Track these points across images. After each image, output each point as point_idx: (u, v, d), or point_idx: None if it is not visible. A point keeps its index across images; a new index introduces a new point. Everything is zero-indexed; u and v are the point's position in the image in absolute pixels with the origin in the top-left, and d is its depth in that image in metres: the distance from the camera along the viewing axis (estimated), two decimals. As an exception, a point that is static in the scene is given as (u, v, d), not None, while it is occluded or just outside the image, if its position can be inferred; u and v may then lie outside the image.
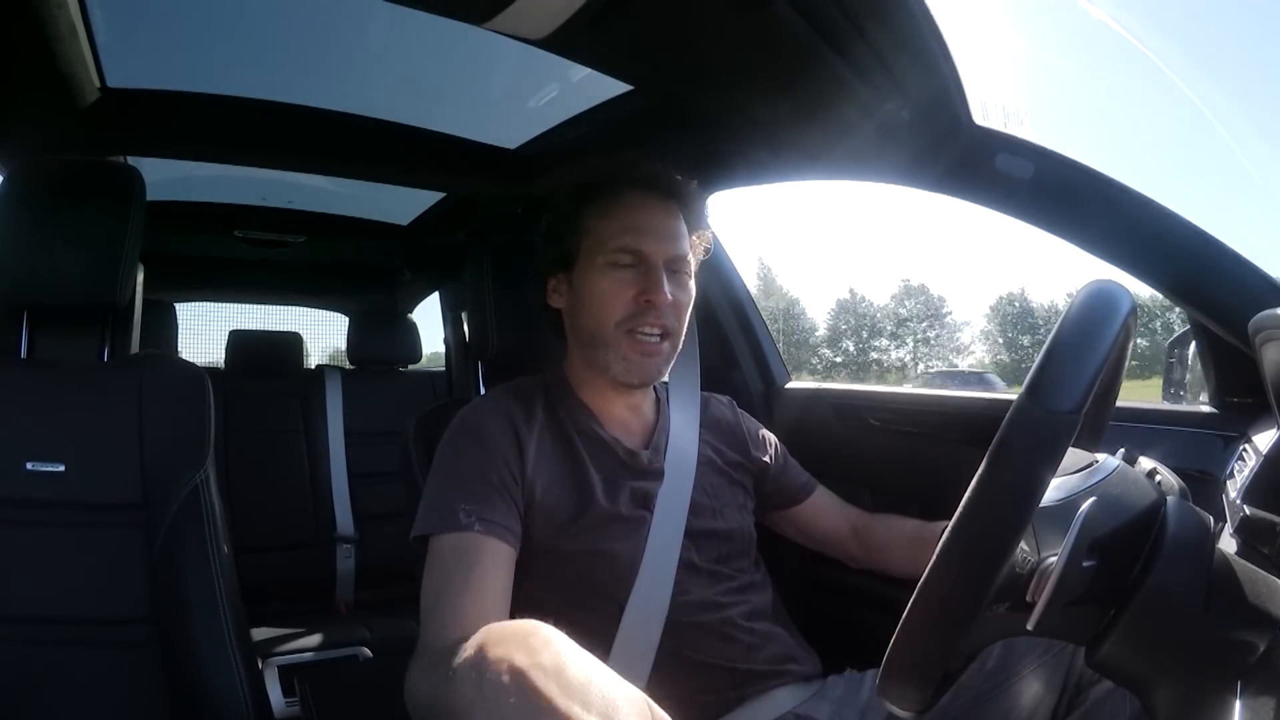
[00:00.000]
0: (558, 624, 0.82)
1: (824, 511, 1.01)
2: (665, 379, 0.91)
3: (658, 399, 0.97)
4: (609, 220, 0.85)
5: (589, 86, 1.10)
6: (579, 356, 0.90)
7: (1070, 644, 0.72)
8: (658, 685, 0.79)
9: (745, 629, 0.84)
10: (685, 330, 0.89)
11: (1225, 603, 0.45)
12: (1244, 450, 0.77)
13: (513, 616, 0.83)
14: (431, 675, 0.61)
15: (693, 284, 0.89)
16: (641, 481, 0.87)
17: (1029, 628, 0.45)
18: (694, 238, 0.90)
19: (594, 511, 0.83)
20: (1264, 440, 0.73)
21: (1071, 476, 0.49)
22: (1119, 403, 0.64)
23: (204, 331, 2.72)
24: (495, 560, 0.74)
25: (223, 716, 0.82)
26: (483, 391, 1.14)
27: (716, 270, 1.33)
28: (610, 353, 0.84)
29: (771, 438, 1.05)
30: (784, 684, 0.84)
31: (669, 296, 0.82)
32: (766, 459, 1.01)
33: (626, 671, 0.79)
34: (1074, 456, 0.51)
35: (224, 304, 2.64)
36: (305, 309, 2.66)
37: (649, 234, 0.84)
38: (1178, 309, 0.94)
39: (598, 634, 0.80)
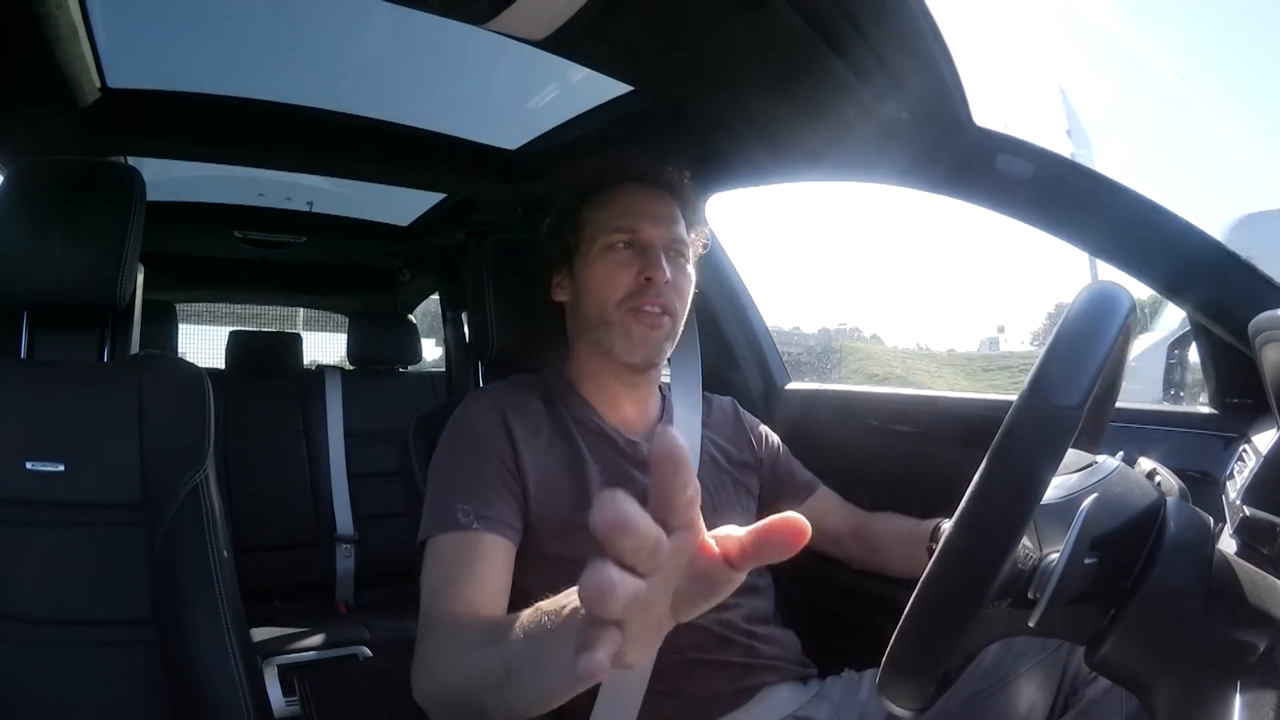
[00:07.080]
0: None
1: (826, 511, 1.02)
2: (667, 361, 0.92)
3: (663, 396, 0.98)
4: (606, 210, 0.88)
5: (589, 87, 1.10)
6: (582, 345, 0.91)
7: (1066, 644, 0.72)
8: (658, 685, 0.79)
9: (745, 631, 0.84)
10: (686, 318, 0.89)
11: (1225, 603, 0.45)
12: (1244, 451, 0.77)
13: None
14: (449, 651, 0.63)
15: (692, 271, 0.90)
16: (643, 474, 0.86)
17: (1031, 625, 0.45)
18: (691, 233, 0.91)
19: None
20: (1264, 441, 0.73)
21: (1071, 476, 0.49)
22: (1119, 403, 0.64)
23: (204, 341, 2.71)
24: (495, 554, 0.75)
25: (223, 716, 0.81)
26: None
27: (716, 271, 1.33)
28: (613, 331, 0.85)
29: (773, 436, 1.05)
30: (783, 684, 0.85)
31: (667, 274, 0.84)
32: (768, 457, 1.02)
33: (626, 670, 0.80)
34: (1073, 457, 0.51)
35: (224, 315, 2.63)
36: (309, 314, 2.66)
37: (645, 218, 0.86)
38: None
39: None
